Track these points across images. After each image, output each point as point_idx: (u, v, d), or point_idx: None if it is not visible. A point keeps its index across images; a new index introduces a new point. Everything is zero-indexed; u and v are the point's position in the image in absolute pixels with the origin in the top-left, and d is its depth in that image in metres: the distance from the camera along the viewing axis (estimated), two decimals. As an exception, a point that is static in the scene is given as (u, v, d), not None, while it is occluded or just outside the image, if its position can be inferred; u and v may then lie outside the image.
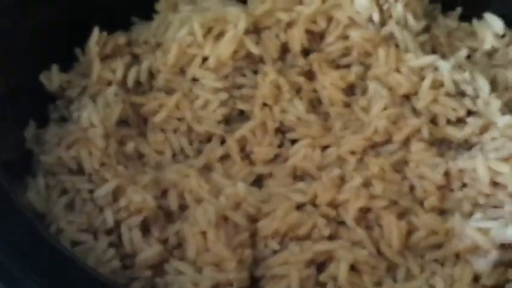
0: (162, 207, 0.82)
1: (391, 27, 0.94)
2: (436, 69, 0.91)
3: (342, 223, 0.81)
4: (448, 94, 0.90)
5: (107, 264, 0.76)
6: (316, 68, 0.93)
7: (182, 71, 0.92)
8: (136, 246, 0.78)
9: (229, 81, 0.91)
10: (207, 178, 0.84)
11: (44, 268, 0.66)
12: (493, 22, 1.01)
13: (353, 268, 0.77)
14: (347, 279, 0.76)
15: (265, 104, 0.90)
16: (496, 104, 0.89)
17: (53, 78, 0.91)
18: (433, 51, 0.97)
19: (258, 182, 0.87)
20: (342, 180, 0.83)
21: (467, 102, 0.90)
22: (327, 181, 0.83)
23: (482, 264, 0.76)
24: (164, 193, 0.83)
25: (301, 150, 0.87)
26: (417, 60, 0.92)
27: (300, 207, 0.82)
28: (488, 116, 0.89)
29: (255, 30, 0.94)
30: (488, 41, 0.99)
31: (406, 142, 0.87)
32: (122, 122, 0.88)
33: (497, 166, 0.82)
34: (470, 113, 0.90)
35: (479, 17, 1.02)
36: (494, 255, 0.76)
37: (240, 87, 0.92)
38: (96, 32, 0.93)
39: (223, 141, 0.89)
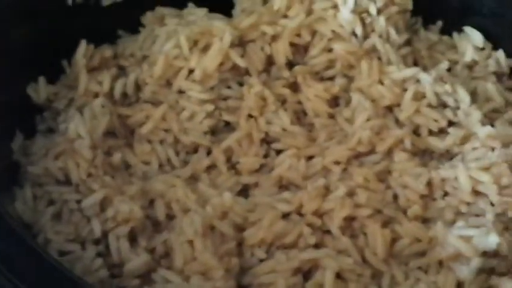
0: (149, 217, 0.82)
1: (374, 40, 0.96)
2: (418, 81, 0.93)
3: (327, 232, 0.82)
4: (429, 105, 0.92)
5: (94, 274, 0.76)
6: (301, 80, 0.95)
7: (168, 83, 0.93)
8: (124, 255, 0.78)
9: (215, 93, 0.92)
10: (194, 188, 0.85)
11: (31, 277, 0.66)
12: (473, 35, 1.03)
13: (339, 276, 0.78)
14: (333, 287, 0.77)
15: (250, 115, 0.91)
16: (476, 115, 0.91)
17: (40, 90, 0.91)
18: (415, 64, 0.99)
19: (244, 191, 0.88)
20: (327, 189, 0.84)
21: (449, 113, 0.92)
22: (312, 191, 0.84)
23: (465, 272, 0.78)
24: (151, 203, 0.83)
25: (286, 161, 0.88)
26: (399, 72, 0.94)
27: (285, 216, 0.83)
28: (469, 127, 0.90)
29: (240, 43, 0.95)
30: (469, 54, 1.01)
31: (389, 152, 0.89)
32: (109, 133, 0.89)
33: (478, 175, 0.84)
34: (451, 123, 0.92)
35: (460, 30, 1.04)
36: (476, 262, 0.77)
37: (225, 98, 0.93)
38: (83, 44, 0.93)
39: (209, 152, 0.90)
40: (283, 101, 0.94)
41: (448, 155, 0.90)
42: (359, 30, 0.96)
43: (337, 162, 0.88)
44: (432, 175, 0.85)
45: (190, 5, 1.01)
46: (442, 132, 0.91)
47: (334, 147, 0.89)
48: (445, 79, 0.94)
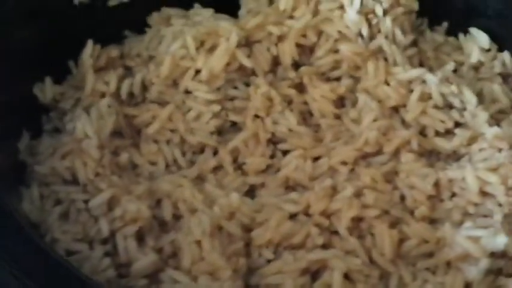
0: (156, 217, 0.82)
1: (380, 41, 0.96)
2: (424, 82, 0.93)
3: (335, 232, 0.82)
4: (436, 106, 0.92)
5: (102, 274, 0.75)
6: (307, 80, 0.95)
7: (175, 83, 0.93)
8: (132, 255, 0.78)
9: (222, 93, 0.92)
10: (200, 188, 0.85)
11: (40, 276, 0.66)
12: (479, 36, 1.03)
13: (346, 277, 0.78)
14: (341, 288, 0.77)
15: (257, 116, 0.91)
16: (483, 116, 0.91)
17: (46, 90, 0.91)
18: (421, 65, 0.99)
19: (250, 192, 0.88)
20: (334, 190, 0.84)
21: (455, 114, 0.92)
22: (319, 191, 0.84)
23: (473, 272, 0.77)
24: (158, 203, 0.83)
25: (292, 161, 0.88)
26: (405, 73, 0.94)
27: (292, 217, 0.83)
28: (476, 128, 0.90)
29: (247, 43, 0.95)
30: (474, 55, 1.01)
31: (396, 153, 0.88)
32: (116, 133, 0.89)
33: (485, 176, 0.84)
34: (458, 124, 0.92)
35: (465, 31, 1.04)
36: (485, 263, 0.77)
37: (232, 99, 0.93)
38: (90, 44, 0.93)
39: (215, 152, 0.90)
40: (289, 102, 0.94)
41: (455, 156, 0.90)
42: (365, 31, 0.95)
43: (344, 163, 0.88)
44: (439, 176, 0.85)
45: (196, 5, 1.01)
46: (448, 133, 0.91)
47: (340, 147, 0.89)
48: (451, 80, 0.94)
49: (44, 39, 0.91)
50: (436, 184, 0.85)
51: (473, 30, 1.04)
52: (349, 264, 0.78)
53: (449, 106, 0.93)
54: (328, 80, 0.96)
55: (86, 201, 0.82)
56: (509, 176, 0.83)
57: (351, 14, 0.95)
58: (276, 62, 0.96)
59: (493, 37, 1.03)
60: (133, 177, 0.87)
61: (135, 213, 0.79)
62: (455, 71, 0.98)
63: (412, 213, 0.84)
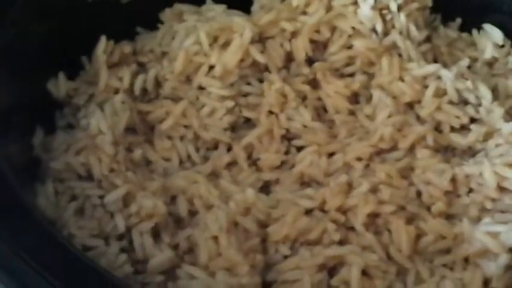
0: (171, 213, 0.81)
1: (394, 37, 0.95)
2: (438, 77, 0.93)
3: (351, 228, 0.82)
4: (451, 102, 0.92)
5: (119, 269, 0.75)
6: (321, 76, 0.94)
7: (188, 79, 0.92)
8: (148, 251, 0.77)
9: (235, 89, 0.92)
10: (216, 184, 0.84)
11: (59, 270, 0.66)
12: (493, 32, 1.02)
13: (364, 273, 0.77)
14: (359, 284, 0.76)
15: (271, 112, 0.91)
16: (498, 111, 0.90)
17: (60, 86, 0.91)
18: (435, 61, 0.98)
19: (265, 188, 0.87)
20: (350, 186, 0.84)
21: (470, 110, 0.92)
22: (334, 187, 0.83)
23: (492, 268, 0.77)
24: (173, 199, 0.83)
25: (307, 157, 0.88)
26: (420, 69, 0.93)
27: (308, 212, 0.82)
28: (491, 123, 0.90)
29: (260, 39, 0.95)
30: (488, 51, 1.01)
31: (411, 149, 0.88)
32: (129, 130, 0.88)
33: (503, 171, 0.83)
34: (473, 120, 0.91)
35: (479, 27, 1.04)
36: (504, 258, 0.77)
37: (246, 95, 0.93)
38: (103, 40, 0.93)
39: (229, 149, 0.90)
40: (303, 98, 0.93)
41: (470, 152, 0.90)
42: (379, 27, 0.95)
43: (359, 159, 0.87)
44: (456, 171, 0.85)
45: (209, 1, 1.01)
46: (463, 128, 0.91)
47: (355, 143, 0.88)
48: (466, 76, 0.93)
49: (57, 35, 0.91)
50: (453, 180, 0.85)
51: (487, 26, 1.03)
52: (366, 260, 0.77)
53: (465, 102, 0.92)
54: (342, 76, 0.96)
55: (101, 197, 0.81)
56: (527, 172, 0.83)
57: (365, 10, 0.95)
58: (289, 58, 0.96)
59: (507, 33, 1.02)
60: (147, 174, 0.86)
61: (151, 209, 0.78)
62: (469, 67, 0.98)
63: (428, 209, 0.84)
